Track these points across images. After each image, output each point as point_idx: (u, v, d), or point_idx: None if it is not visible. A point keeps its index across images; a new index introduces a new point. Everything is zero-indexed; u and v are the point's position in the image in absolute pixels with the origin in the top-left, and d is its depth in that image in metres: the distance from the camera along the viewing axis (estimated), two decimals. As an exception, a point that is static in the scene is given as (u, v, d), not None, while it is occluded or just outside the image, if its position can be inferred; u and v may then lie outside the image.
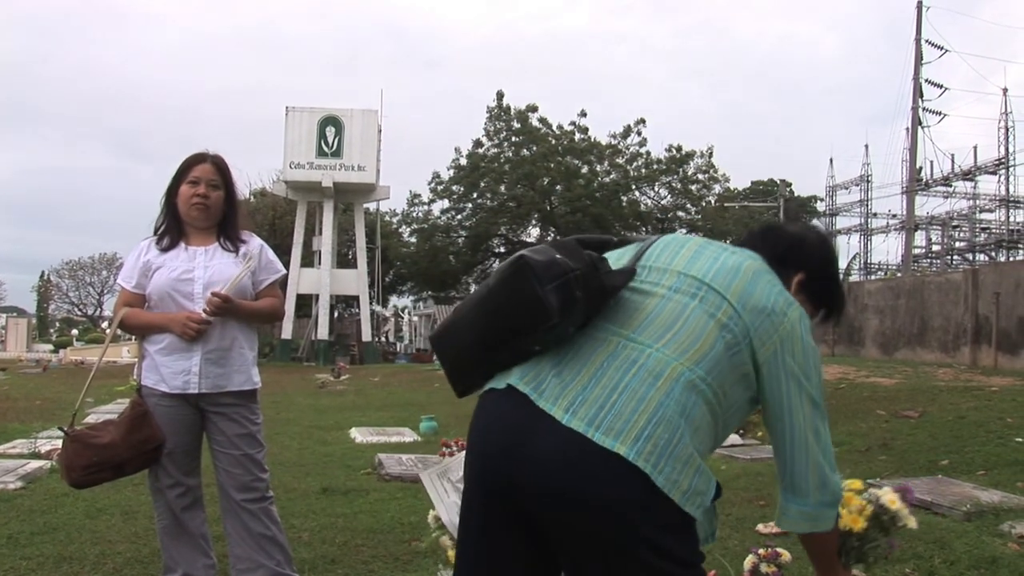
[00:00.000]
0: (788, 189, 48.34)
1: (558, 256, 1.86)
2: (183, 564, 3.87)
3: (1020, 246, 42.35)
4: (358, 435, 10.08)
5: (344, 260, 38.29)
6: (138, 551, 4.78)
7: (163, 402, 3.75)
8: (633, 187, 44.51)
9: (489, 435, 1.91)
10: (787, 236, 2.16)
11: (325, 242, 33.45)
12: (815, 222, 41.77)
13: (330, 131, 32.93)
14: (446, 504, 2.62)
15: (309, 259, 34.23)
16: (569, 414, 1.79)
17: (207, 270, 3.79)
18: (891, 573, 4.34)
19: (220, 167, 3.88)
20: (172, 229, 3.87)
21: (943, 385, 12.29)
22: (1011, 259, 36.46)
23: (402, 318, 40.31)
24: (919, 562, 4.44)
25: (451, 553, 2.63)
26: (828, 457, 1.99)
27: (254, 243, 3.97)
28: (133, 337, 3.94)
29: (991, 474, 6.93)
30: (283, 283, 4.15)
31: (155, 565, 4.27)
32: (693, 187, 45.03)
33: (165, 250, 3.84)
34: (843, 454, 8.27)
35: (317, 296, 33.53)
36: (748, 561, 3.16)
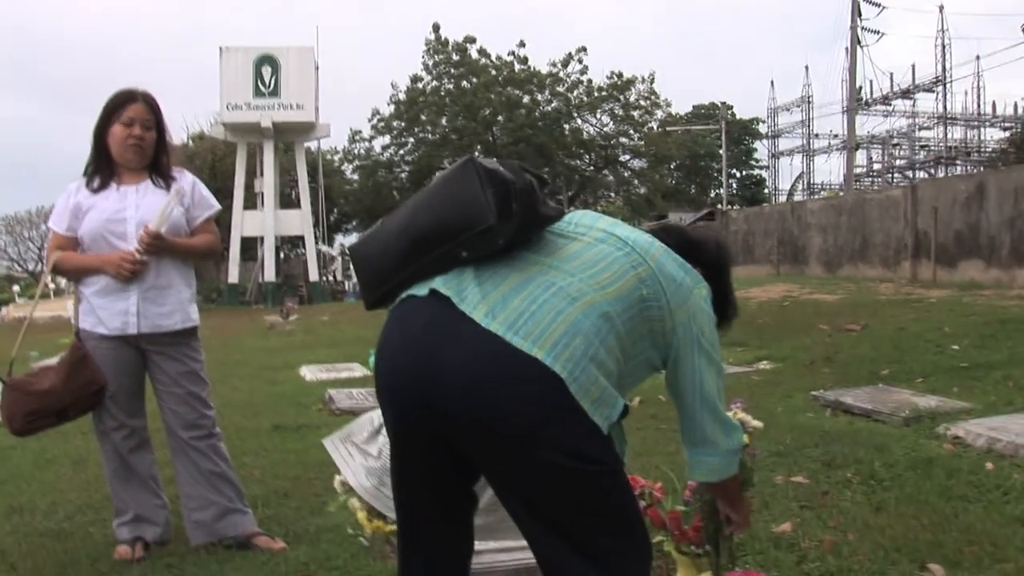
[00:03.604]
0: (730, 112, 48.45)
1: (503, 168, 1.91)
2: (134, 506, 3.87)
3: (958, 162, 43.00)
4: (308, 373, 10.07)
5: (287, 201, 37.84)
6: (89, 497, 4.76)
7: (102, 344, 3.70)
8: (575, 115, 44.35)
9: (405, 337, 1.91)
10: (689, 237, 2.24)
11: (267, 183, 33.00)
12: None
13: (266, 70, 32.30)
14: (352, 467, 2.63)
15: (252, 201, 33.76)
16: (489, 318, 1.82)
17: (139, 209, 3.73)
18: (833, 478, 4.46)
19: (152, 106, 3.80)
20: (103, 169, 3.79)
21: (884, 299, 12.54)
22: (949, 175, 37.01)
23: (348, 257, 40.06)
24: (859, 466, 4.57)
25: (361, 515, 2.64)
26: (725, 412, 2.15)
27: (186, 179, 3.90)
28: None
29: (929, 381, 7.10)
30: (219, 220, 4.09)
31: (107, 510, 4.25)
32: (635, 113, 44.95)
33: (96, 191, 3.76)
34: (788, 368, 8.45)
35: (262, 238, 33.18)
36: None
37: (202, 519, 3.86)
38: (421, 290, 1.93)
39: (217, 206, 4.01)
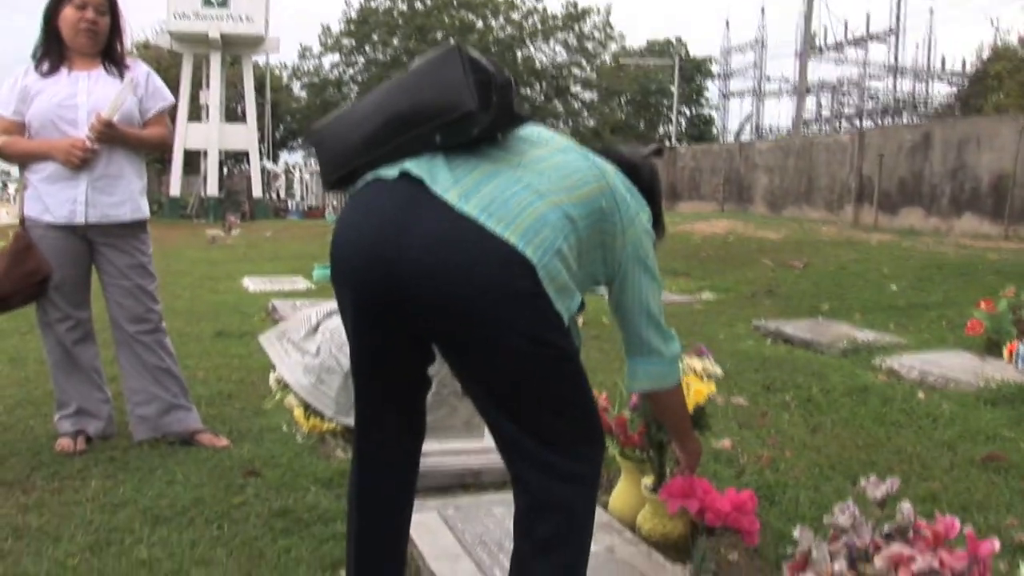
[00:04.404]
0: (684, 50, 48.29)
1: (485, 60, 1.89)
2: (77, 398, 3.84)
3: (905, 114, 43.41)
4: (251, 284, 9.99)
5: (233, 115, 37.07)
6: (29, 393, 4.70)
7: (49, 233, 3.63)
8: (528, 42, 43.93)
9: (373, 214, 1.89)
10: (625, 159, 2.24)
11: (213, 96, 32.24)
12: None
13: (216, -22, 31.43)
14: (288, 365, 2.62)
15: (196, 113, 33.00)
16: (463, 201, 1.82)
17: (91, 96, 3.64)
18: (772, 401, 4.57)
19: None
20: (53, 53, 3.68)
21: (827, 240, 12.73)
22: (896, 124, 37.41)
23: (293, 175, 39.44)
24: (798, 391, 4.68)
25: (298, 412, 2.64)
26: (666, 324, 2.20)
27: (140, 69, 3.81)
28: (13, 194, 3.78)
29: (867, 317, 7.29)
30: (172, 113, 4.01)
31: (47, 405, 4.22)
32: (589, 45, 44.67)
33: (45, 75, 3.66)
34: (730, 299, 8.58)
35: (205, 152, 32.50)
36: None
37: (146, 414, 3.84)
38: (390, 171, 1.91)
39: (171, 99, 3.92)
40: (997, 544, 1.95)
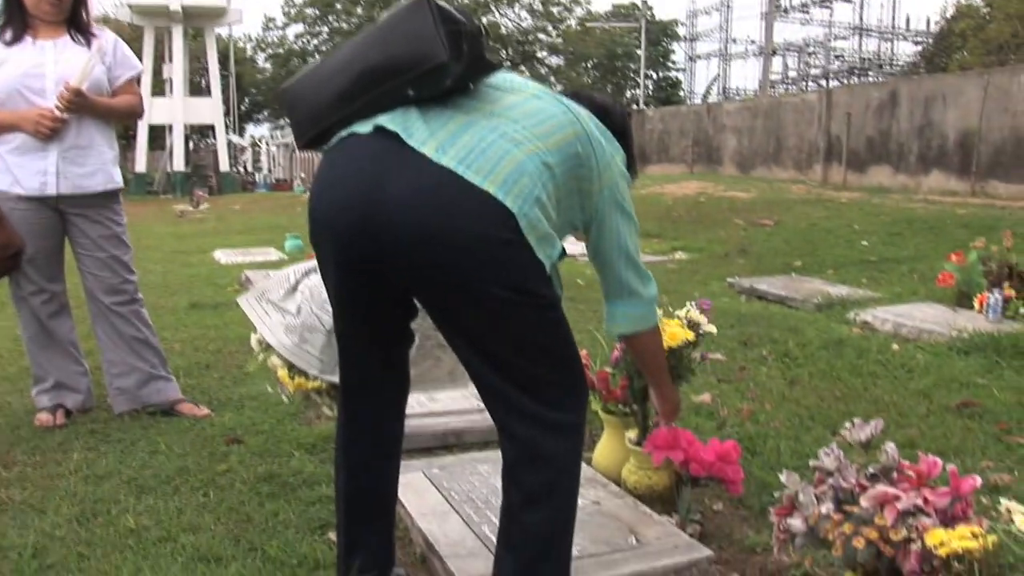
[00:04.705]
0: (649, 13, 48.16)
1: (455, 10, 1.88)
2: (54, 372, 3.81)
3: (871, 74, 43.57)
4: (222, 256, 9.93)
5: (197, 88, 36.63)
6: (3, 369, 4.67)
7: (19, 206, 3.58)
8: (492, 8, 43.65)
9: (350, 170, 1.88)
10: (597, 102, 2.24)
11: (176, 70, 31.82)
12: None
13: (176, -51, 30.94)
14: (270, 326, 2.60)
15: (160, 88, 32.59)
16: (440, 152, 1.82)
17: (58, 64, 3.58)
18: (749, 356, 4.61)
19: None
20: (15, 21, 3.61)
21: (797, 198, 12.79)
22: (863, 83, 37.55)
23: (260, 147, 39.08)
24: (775, 345, 4.72)
25: (282, 372, 2.63)
26: (643, 265, 2.21)
27: (107, 36, 3.75)
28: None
29: (839, 272, 7.36)
30: (140, 81, 3.95)
31: (24, 381, 4.18)
32: (554, 9, 44.46)
33: (9, 44, 3.59)
34: (703, 259, 8.63)
35: (171, 126, 32.13)
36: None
37: (125, 386, 3.82)
38: (364, 127, 1.90)
39: (140, 67, 3.88)
40: (979, 481, 1.98)
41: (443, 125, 1.87)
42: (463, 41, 1.85)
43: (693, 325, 2.90)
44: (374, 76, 1.89)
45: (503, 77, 2.06)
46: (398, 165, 1.82)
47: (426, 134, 1.85)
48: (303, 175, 31.22)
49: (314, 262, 2.16)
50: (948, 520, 1.93)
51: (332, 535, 2.60)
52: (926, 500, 1.96)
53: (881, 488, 2.00)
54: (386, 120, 1.88)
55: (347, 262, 1.95)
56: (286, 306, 2.59)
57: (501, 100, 1.97)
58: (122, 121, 3.93)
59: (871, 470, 2.10)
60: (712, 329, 2.97)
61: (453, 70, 1.85)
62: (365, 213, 1.83)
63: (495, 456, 3.14)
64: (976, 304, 5.36)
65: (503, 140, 1.86)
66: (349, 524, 2.21)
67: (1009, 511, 1.87)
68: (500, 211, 1.79)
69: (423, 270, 1.86)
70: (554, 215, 1.92)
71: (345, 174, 1.89)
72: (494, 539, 2.26)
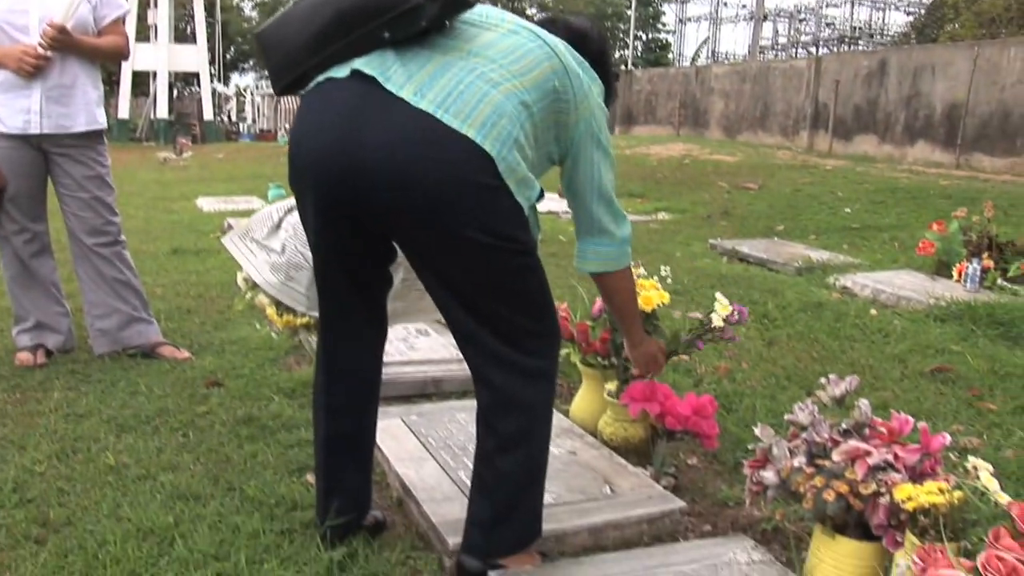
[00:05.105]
0: (641, -26, 47.75)
1: None
2: (35, 312, 3.80)
3: (861, 43, 43.46)
4: (205, 204, 9.88)
5: (182, 36, 36.24)
6: (-17, 309, 4.65)
7: (1, 144, 3.56)
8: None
9: (328, 115, 1.88)
10: (574, 28, 2.23)
11: (161, 16, 31.41)
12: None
13: None
14: (255, 264, 2.59)
15: (144, 34, 32.18)
16: (418, 96, 1.82)
17: (42, 1, 3.54)
18: (729, 316, 4.63)
19: None
20: None
21: (782, 163, 12.82)
22: (853, 51, 37.48)
23: (244, 97, 38.77)
24: (754, 307, 4.75)
25: (270, 311, 2.64)
26: (618, 204, 2.21)
27: (93, -26, 3.70)
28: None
29: (821, 238, 7.40)
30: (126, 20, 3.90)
31: (4, 321, 4.17)
32: (546, -33, 44.01)
33: (-7, -21, 3.55)
34: (687, 220, 8.65)
35: (154, 73, 31.80)
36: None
37: (106, 327, 3.83)
38: (341, 71, 1.90)
39: (126, 6, 3.83)
40: (948, 438, 2.02)
41: (421, 67, 1.87)
42: None
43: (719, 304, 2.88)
44: (348, 19, 1.88)
45: (480, 11, 2.05)
46: (376, 110, 1.82)
47: (404, 77, 1.85)
48: (287, 126, 30.97)
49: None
50: (917, 476, 1.97)
51: (310, 477, 2.63)
52: (896, 456, 2.00)
53: (853, 443, 2.04)
54: (363, 64, 1.88)
55: (326, 207, 1.96)
56: (270, 244, 2.59)
57: (478, 38, 1.97)
58: (107, 61, 3.89)
59: (844, 426, 2.13)
60: (726, 307, 2.90)
61: (428, 11, 1.85)
62: (344, 160, 1.84)
63: (473, 404, 3.16)
64: (955, 273, 5.41)
65: (481, 81, 1.86)
66: (328, 466, 2.24)
67: (976, 468, 1.90)
68: (479, 156, 1.80)
69: (402, 215, 1.87)
70: (531, 154, 1.93)
71: (322, 120, 1.90)
72: (470, 484, 2.29)
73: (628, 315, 2.48)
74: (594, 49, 2.20)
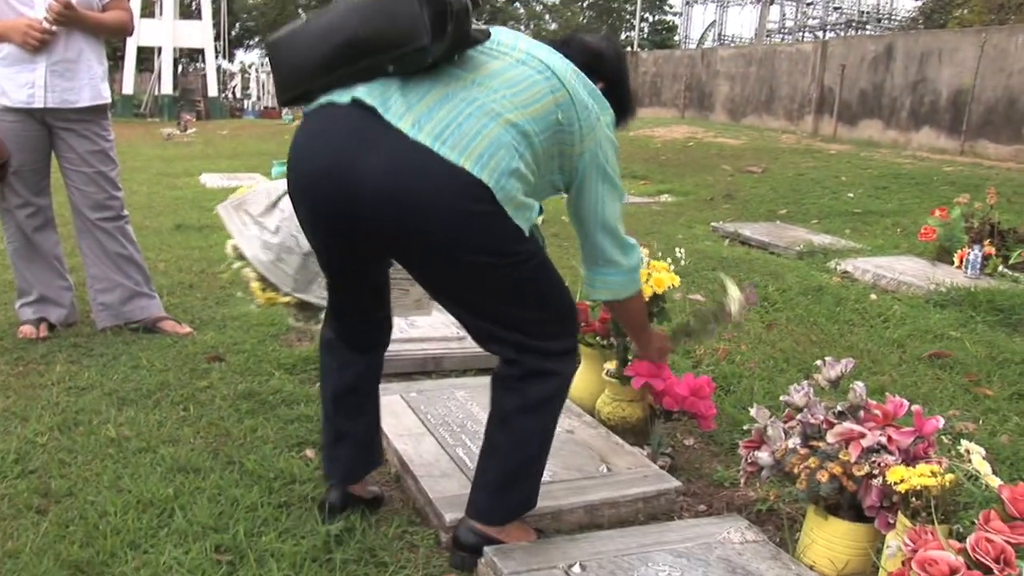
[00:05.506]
0: (649, -45, 47.53)
1: None
2: (38, 286, 3.82)
3: (868, 27, 43.27)
4: (208, 180, 9.89)
5: (187, 11, 36.06)
6: (-14, 282, 4.67)
7: (6, 117, 3.57)
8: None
9: (326, 143, 1.91)
10: (590, 48, 2.22)
11: (166, -10, 31.42)
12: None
13: None
14: (246, 237, 2.60)
15: (149, 9, 32.10)
16: (416, 128, 1.83)
17: (48, -25, 3.54)
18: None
19: None
20: None
21: (786, 147, 12.80)
22: (860, 35, 37.31)
23: (249, 74, 38.64)
24: (755, 290, 4.75)
25: (255, 285, 2.65)
26: (624, 235, 2.20)
27: (98, -51, 3.70)
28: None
29: (823, 222, 7.40)
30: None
31: (7, 294, 4.20)
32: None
33: (-1, -47, 3.55)
34: (690, 202, 8.65)
35: (159, 49, 31.72)
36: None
37: (108, 301, 3.84)
38: (343, 97, 1.91)
39: (131, -19, 3.83)
40: (942, 421, 2.03)
41: (421, 98, 1.88)
42: (448, 21, 1.83)
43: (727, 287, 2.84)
44: (355, 50, 1.89)
45: (493, 38, 2.05)
46: (374, 140, 1.85)
47: (403, 108, 1.86)
48: (292, 103, 30.90)
49: None
50: (910, 459, 1.99)
51: (309, 452, 2.65)
52: (890, 439, 2.02)
53: (847, 425, 2.05)
54: (364, 93, 1.90)
55: (325, 229, 2.01)
56: (265, 222, 2.59)
57: (484, 67, 1.97)
58: (112, 37, 3.89)
59: (839, 408, 2.15)
60: (738, 295, 2.84)
61: (434, 51, 1.85)
62: (339, 186, 1.87)
63: (472, 383, 3.20)
64: (956, 259, 5.41)
65: (480, 112, 1.87)
66: (336, 416, 2.27)
67: (968, 451, 1.92)
68: (476, 185, 1.82)
69: (400, 243, 1.92)
70: (533, 179, 1.94)
71: (318, 144, 1.93)
72: (468, 461, 2.32)
73: (637, 328, 2.51)
74: (610, 69, 2.21)
